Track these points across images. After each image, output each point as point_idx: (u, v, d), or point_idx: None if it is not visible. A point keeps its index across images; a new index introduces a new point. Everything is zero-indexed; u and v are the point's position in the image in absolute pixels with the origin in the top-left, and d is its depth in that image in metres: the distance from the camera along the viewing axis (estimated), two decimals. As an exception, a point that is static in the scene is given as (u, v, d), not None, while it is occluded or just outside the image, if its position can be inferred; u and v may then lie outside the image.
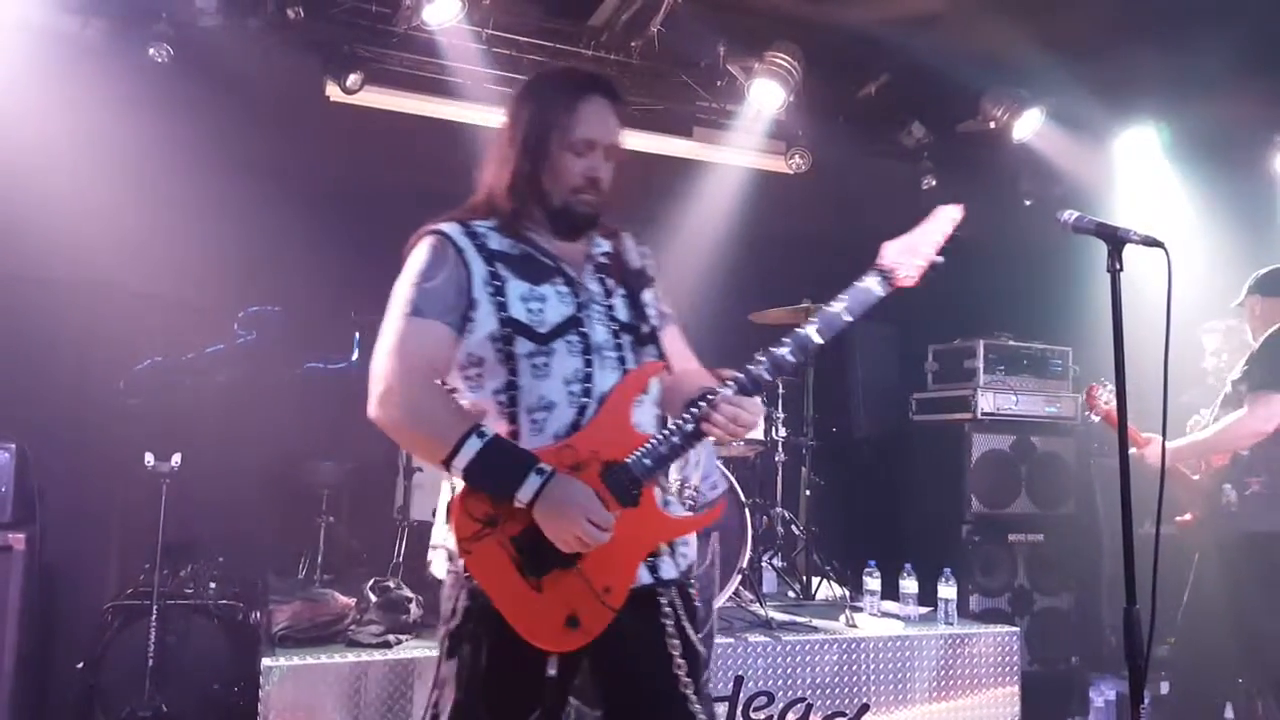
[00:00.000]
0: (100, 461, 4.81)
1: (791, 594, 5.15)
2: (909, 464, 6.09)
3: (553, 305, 1.97)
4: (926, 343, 6.05)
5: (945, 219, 2.13)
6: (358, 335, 5.04)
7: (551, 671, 1.91)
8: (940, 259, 2.12)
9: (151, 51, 4.58)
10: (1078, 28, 5.00)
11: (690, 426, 1.92)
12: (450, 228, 2.02)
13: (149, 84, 4.62)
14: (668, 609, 2.00)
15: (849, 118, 6.04)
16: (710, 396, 1.92)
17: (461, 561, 1.90)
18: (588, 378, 1.95)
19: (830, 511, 5.63)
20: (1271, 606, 3.75)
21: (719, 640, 3.95)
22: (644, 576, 1.97)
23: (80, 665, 4.08)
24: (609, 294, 2.06)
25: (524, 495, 1.82)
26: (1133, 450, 4.18)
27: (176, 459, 4.11)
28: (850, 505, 5.99)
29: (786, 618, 4.42)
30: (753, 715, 3.92)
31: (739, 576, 4.34)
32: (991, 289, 5.89)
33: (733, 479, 4.37)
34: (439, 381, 1.99)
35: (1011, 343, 5.75)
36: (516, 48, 5.24)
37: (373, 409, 1.92)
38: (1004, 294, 6.05)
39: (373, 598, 3.77)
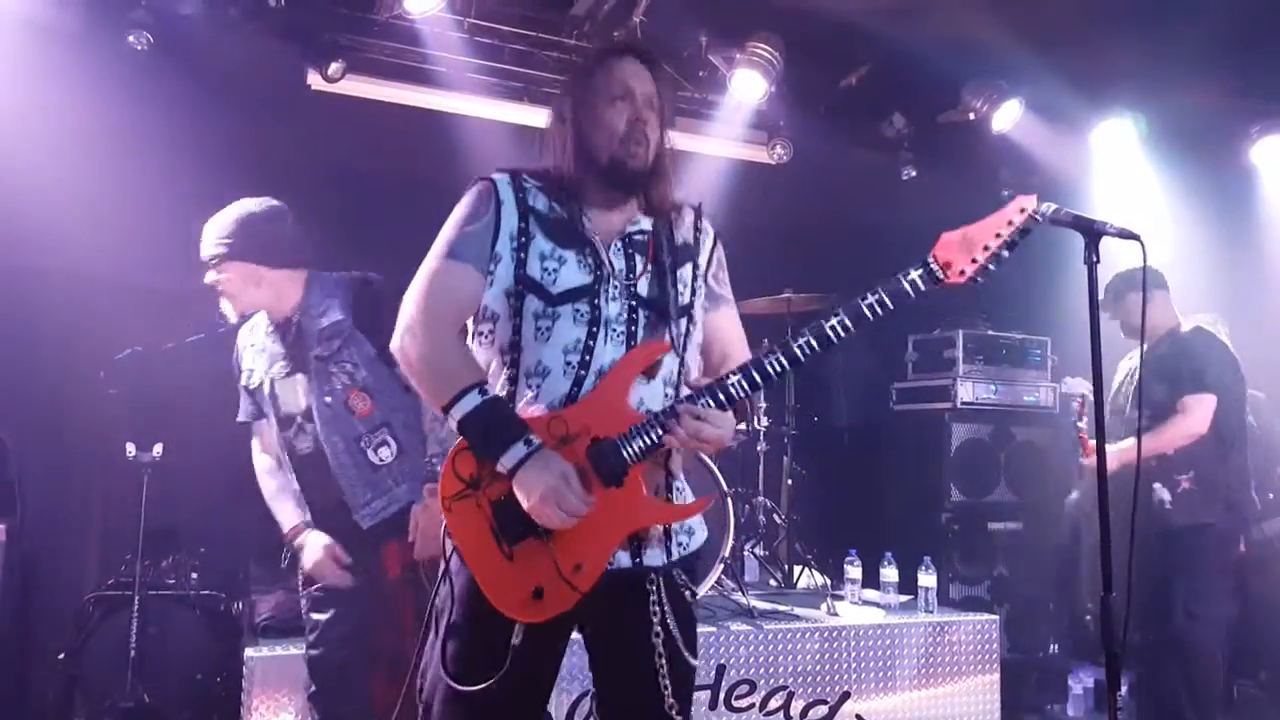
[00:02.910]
0: (81, 451, 4.80)
1: (773, 583, 5.18)
2: (889, 453, 6.13)
3: (570, 269, 1.98)
4: (906, 332, 6.08)
5: (1014, 210, 1.96)
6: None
7: (516, 640, 1.90)
8: (1002, 254, 1.95)
9: (131, 39, 4.52)
10: (1056, 19, 5.03)
11: (658, 431, 1.89)
12: (500, 177, 2.06)
13: (128, 72, 4.57)
14: (654, 599, 1.99)
15: (830, 108, 6.05)
16: (678, 405, 1.90)
17: None
18: (588, 349, 1.95)
19: (811, 500, 5.66)
20: (1208, 591, 4.07)
21: (701, 630, 3.96)
22: (623, 560, 1.96)
23: (61, 656, 4.08)
24: (634, 271, 2.03)
25: (506, 462, 1.85)
26: (1086, 460, 4.34)
27: (158, 449, 4.10)
28: (831, 494, 6.02)
29: (768, 606, 4.45)
30: (735, 704, 3.95)
31: (721, 565, 4.37)
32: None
33: (714, 467, 4.40)
34: (464, 326, 2.04)
35: (990, 333, 5.79)
36: (498, 37, 5.22)
37: (394, 340, 1.99)
38: (982, 284, 6.08)
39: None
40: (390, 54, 5.17)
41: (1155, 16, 4.83)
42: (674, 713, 1.96)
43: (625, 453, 1.88)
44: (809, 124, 5.98)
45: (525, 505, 1.84)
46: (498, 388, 1.99)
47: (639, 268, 2.03)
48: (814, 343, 1.92)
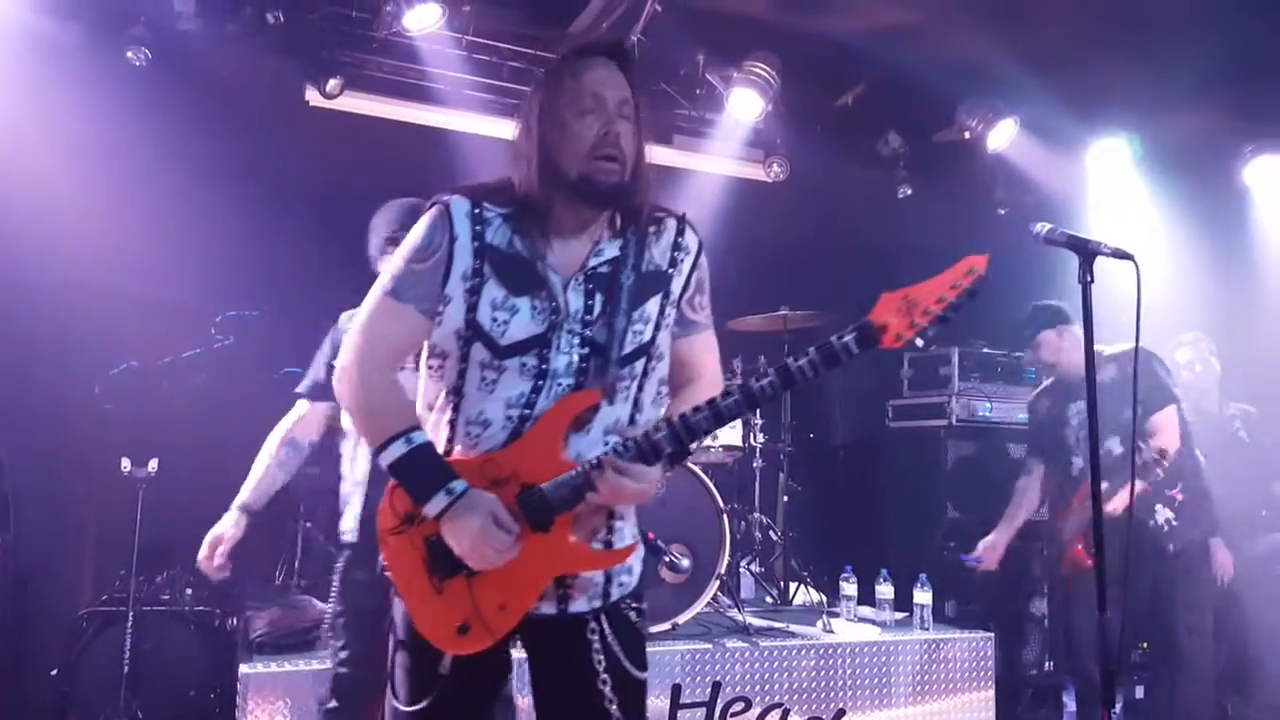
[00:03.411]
0: (76, 466, 4.78)
1: (769, 599, 5.17)
2: (885, 470, 6.13)
3: (521, 320, 1.90)
4: (902, 350, 6.09)
5: (960, 271, 1.86)
6: (336, 340, 5.03)
7: (444, 670, 1.93)
8: (947, 315, 1.87)
9: (129, 55, 4.56)
10: (1051, 40, 5.08)
11: (580, 482, 1.86)
12: (459, 206, 1.94)
13: (127, 87, 4.59)
14: (593, 633, 1.96)
15: (827, 127, 6.09)
16: (603, 457, 1.85)
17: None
18: (530, 404, 1.90)
19: (807, 517, 5.66)
20: (1200, 601, 4.08)
21: (696, 646, 3.97)
22: (547, 609, 1.94)
23: (55, 672, 4.04)
24: (592, 311, 1.92)
25: (430, 510, 1.85)
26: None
27: (153, 464, 4.09)
28: (827, 511, 6.02)
29: (764, 623, 4.44)
30: (730, 720, 3.94)
31: (717, 582, 4.36)
32: (966, 297, 5.96)
33: (710, 484, 4.40)
34: (401, 367, 1.98)
35: (985, 350, 5.81)
36: (496, 54, 5.26)
37: (334, 377, 1.97)
38: (978, 302, 6.10)
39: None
40: (389, 71, 5.20)
41: (1149, 38, 4.88)
42: (614, 708, 1.95)
43: (553, 500, 1.87)
44: (805, 142, 6.02)
45: (457, 551, 1.85)
46: (440, 427, 1.97)
47: (597, 308, 1.93)
48: (741, 401, 1.89)
